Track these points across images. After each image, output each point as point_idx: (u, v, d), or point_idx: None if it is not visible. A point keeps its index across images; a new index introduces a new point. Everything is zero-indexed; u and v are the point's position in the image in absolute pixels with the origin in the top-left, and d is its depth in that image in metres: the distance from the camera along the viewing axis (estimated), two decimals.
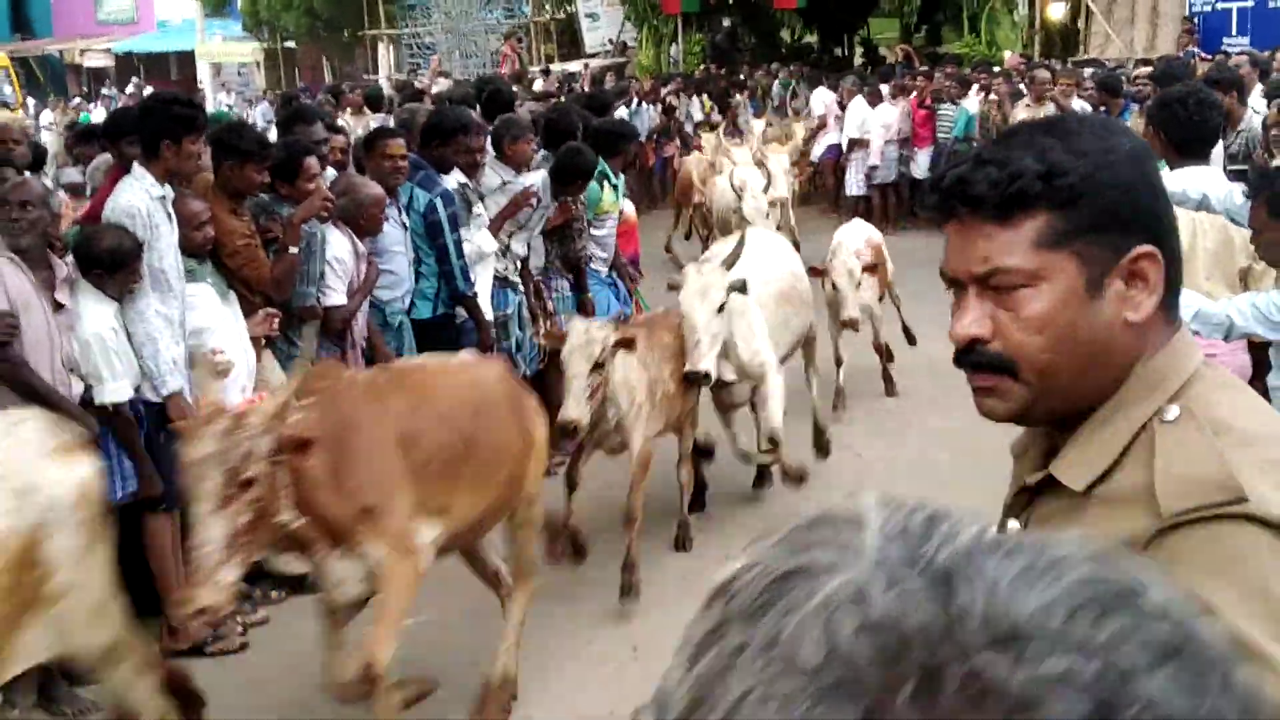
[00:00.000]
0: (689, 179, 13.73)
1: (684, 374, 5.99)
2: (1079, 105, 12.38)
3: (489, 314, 7.36)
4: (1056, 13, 24.02)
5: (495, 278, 7.55)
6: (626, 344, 5.70)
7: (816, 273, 7.98)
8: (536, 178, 7.71)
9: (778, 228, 10.58)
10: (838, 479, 7.60)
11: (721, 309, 5.90)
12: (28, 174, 5.70)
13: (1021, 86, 14.56)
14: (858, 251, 8.32)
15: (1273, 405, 4.64)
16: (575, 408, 5.50)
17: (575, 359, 5.54)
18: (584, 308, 8.01)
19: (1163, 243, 1.57)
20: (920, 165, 16.52)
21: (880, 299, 9.12)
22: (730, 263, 6.09)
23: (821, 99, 17.65)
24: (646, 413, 6.00)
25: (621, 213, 8.90)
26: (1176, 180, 4.75)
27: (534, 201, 7.58)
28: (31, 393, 4.84)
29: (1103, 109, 11.59)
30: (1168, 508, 1.44)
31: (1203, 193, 4.78)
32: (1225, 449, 1.46)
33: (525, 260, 7.90)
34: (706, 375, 5.86)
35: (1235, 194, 4.81)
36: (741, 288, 5.99)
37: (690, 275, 6.03)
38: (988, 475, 7.58)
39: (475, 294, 7.13)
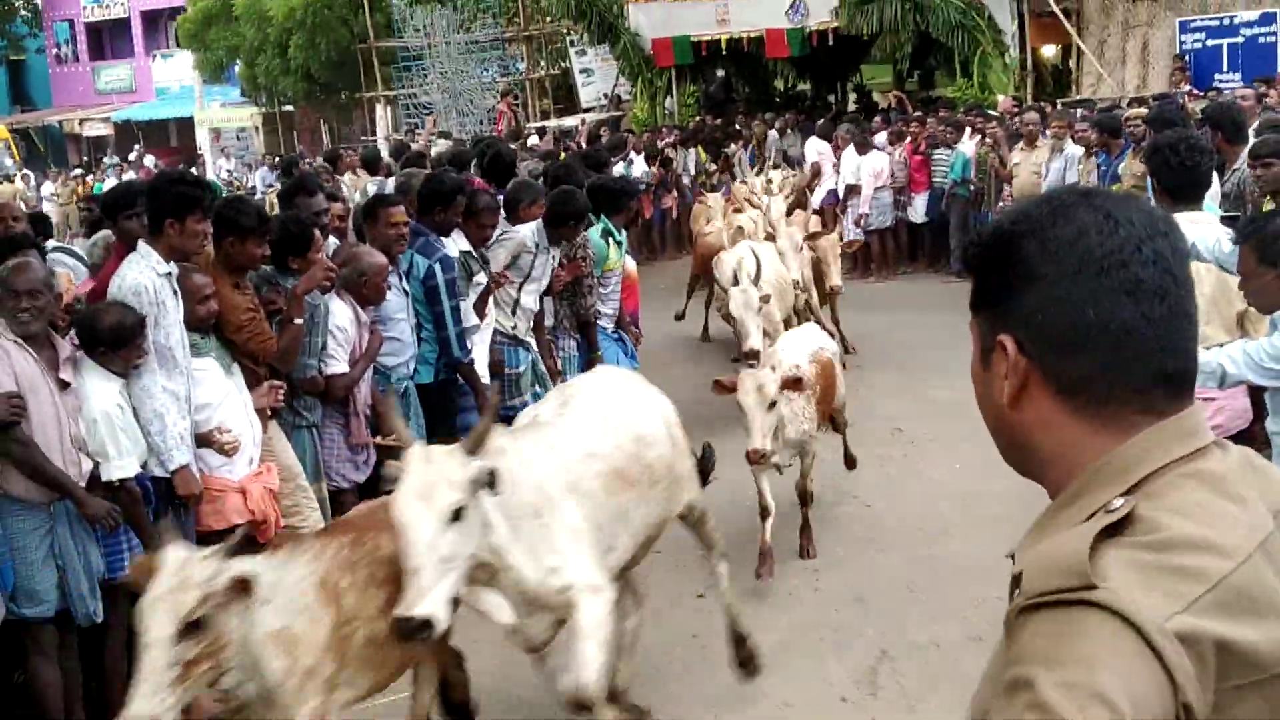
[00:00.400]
0: (710, 250, 11.87)
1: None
2: (1072, 148, 12.44)
3: (487, 377, 7.38)
4: (1048, 54, 24.17)
5: (505, 335, 7.58)
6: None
7: (722, 388, 6.60)
8: (532, 227, 7.75)
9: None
10: (847, 531, 7.59)
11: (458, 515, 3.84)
12: (32, 254, 5.71)
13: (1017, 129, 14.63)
14: (794, 366, 6.72)
15: (1273, 451, 4.61)
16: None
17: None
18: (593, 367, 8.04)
19: (1032, 330, 1.55)
20: (917, 210, 16.59)
21: (821, 427, 7.44)
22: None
23: (815, 147, 17.72)
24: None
25: (623, 268, 8.97)
26: None
27: (531, 257, 7.61)
28: (40, 474, 4.87)
29: (1101, 150, 11.64)
30: (1028, 588, 1.43)
31: (1191, 241, 4.80)
32: (1122, 542, 1.41)
33: (539, 315, 7.93)
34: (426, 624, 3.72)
35: (1224, 241, 4.83)
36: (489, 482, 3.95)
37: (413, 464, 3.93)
38: (993, 523, 7.64)
39: (472, 360, 7.13)
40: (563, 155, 14.94)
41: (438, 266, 6.94)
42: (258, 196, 14.77)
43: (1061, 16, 21.33)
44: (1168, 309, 1.51)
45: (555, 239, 7.74)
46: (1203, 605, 1.37)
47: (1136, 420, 1.52)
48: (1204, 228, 5.04)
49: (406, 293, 6.90)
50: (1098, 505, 1.48)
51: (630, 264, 9.34)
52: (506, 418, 7.43)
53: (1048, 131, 13.61)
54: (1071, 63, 22.51)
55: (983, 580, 6.62)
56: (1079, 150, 12.40)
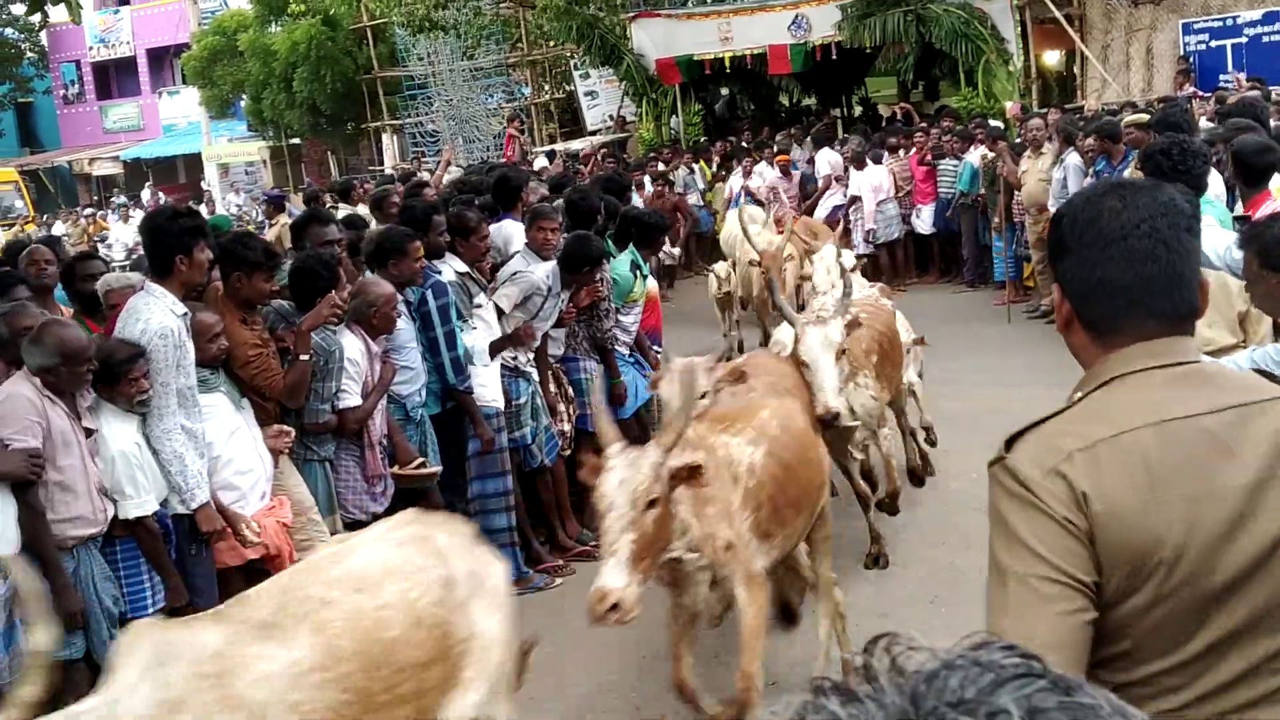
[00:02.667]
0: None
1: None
2: (1072, 158, 12.40)
3: (500, 403, 7.36)
4: (1051, 60, 24.17)
5: (506, 367, 7.54)
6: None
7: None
8: (547, 269, 7.74)
9: None
10: (861, 548, 7.57)
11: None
12: (28, 303, 5.71)
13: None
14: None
15: None
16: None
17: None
18: (616, 393, 8.03)
19: (1068, 284, 2.24)
20: (924, 221, 16.59)
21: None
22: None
23: (827, 159, 17.72)
24: None
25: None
26: None
27: (541, 299, 7.59)
28: (35, 542, 4.82)
29: (1102, 156, 11.65)
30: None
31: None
32: (1048, 424, 2.15)
33: (543, 345, 7.89)
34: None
35: (1233, 248, 4.81)
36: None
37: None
38: None
39: (469, 388, 7.09)
40: (576, 178, 14.96)
41: (429, 293, 6.93)
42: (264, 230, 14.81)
43: (1064, 22, 21.34)
44: (1159, 269, 2.13)
45: (569, 283, 7.74)
46: (1077, 459, 2.05)
47: (1129, 344, 2.16)
48: (1213, 233, 5.01)
49: (416, 323, 6.91)
50: (1076, 397, 2.21)
51: (651, 283, 9.27)
52: (514, 449, 7.49)
53: (1054, 137, 13.61)
54: (1076, 68, 22.53)
55: None
56: (1077, 159, 12.38)
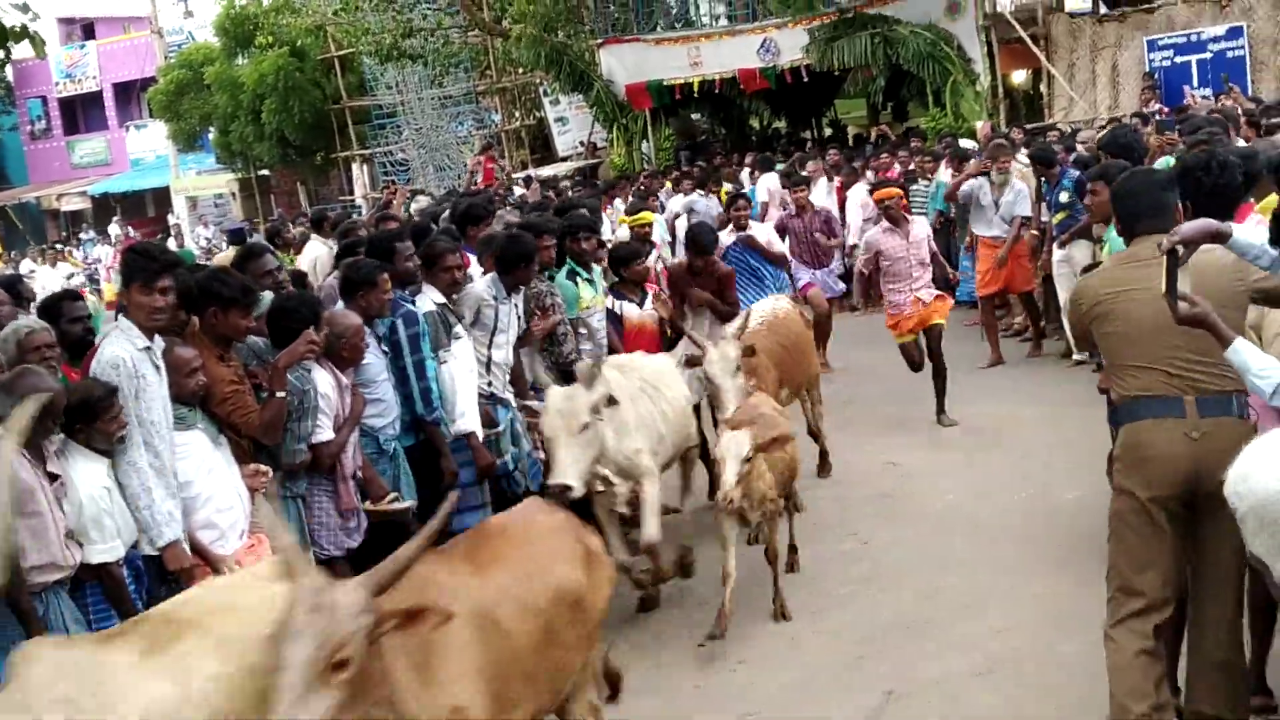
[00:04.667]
0: None
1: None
2: (1018, 184, 12.45)
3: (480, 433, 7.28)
4: (1019, 79, 24.31)
5: (481, 394, 7.45)
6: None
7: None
8: (484, 280, 7.67)
9: None
10: (847, 570, 7.53)
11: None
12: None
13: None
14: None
15: None
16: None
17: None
18: None
19: None
20: None
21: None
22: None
23: (765, 185, 17.50)
24: None
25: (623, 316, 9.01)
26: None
27: (492, 310, 7.50)
28: (15, 591, 4.69)
29: (1043, 180, 11.93)
30: None
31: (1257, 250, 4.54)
32: None
33: (517, 368, 7.78)
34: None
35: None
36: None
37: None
38: (993, 554, 7.58)
39: (437, 419, 6.97)
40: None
41: (399, 322, 6.83)
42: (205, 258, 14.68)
43: (1030, 42, 21.48)
44: None
45: (511, 285, 7.60)
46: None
47: None
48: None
49: (386, 353, 6.83)
50: None
51: (636, 312, 9.11)
52: (499, 475, 7.40)
53: (1020, 156, 13.62)
54: (1043, 87, 22.66)
55: (988, 613, 6.57)
56: (1022, 185, 12.45)
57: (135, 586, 5.23)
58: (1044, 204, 11.97)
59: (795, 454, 7.36)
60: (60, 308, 6.36)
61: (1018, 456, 9.12)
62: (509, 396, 7.66)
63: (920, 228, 10.70)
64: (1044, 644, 6.12)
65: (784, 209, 14.89)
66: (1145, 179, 5.07)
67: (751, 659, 6.43)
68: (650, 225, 11.15)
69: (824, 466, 9.31)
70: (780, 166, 18.32)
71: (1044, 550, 7.31)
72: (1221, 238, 4.16)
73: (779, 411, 7.45)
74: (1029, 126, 18.64)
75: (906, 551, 7.69)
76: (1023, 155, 13.84)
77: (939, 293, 10.62)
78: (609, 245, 9.96)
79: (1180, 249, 4.05)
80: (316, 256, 11.47)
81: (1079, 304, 4.94)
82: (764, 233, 11.30)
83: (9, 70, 42.56)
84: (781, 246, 11.59)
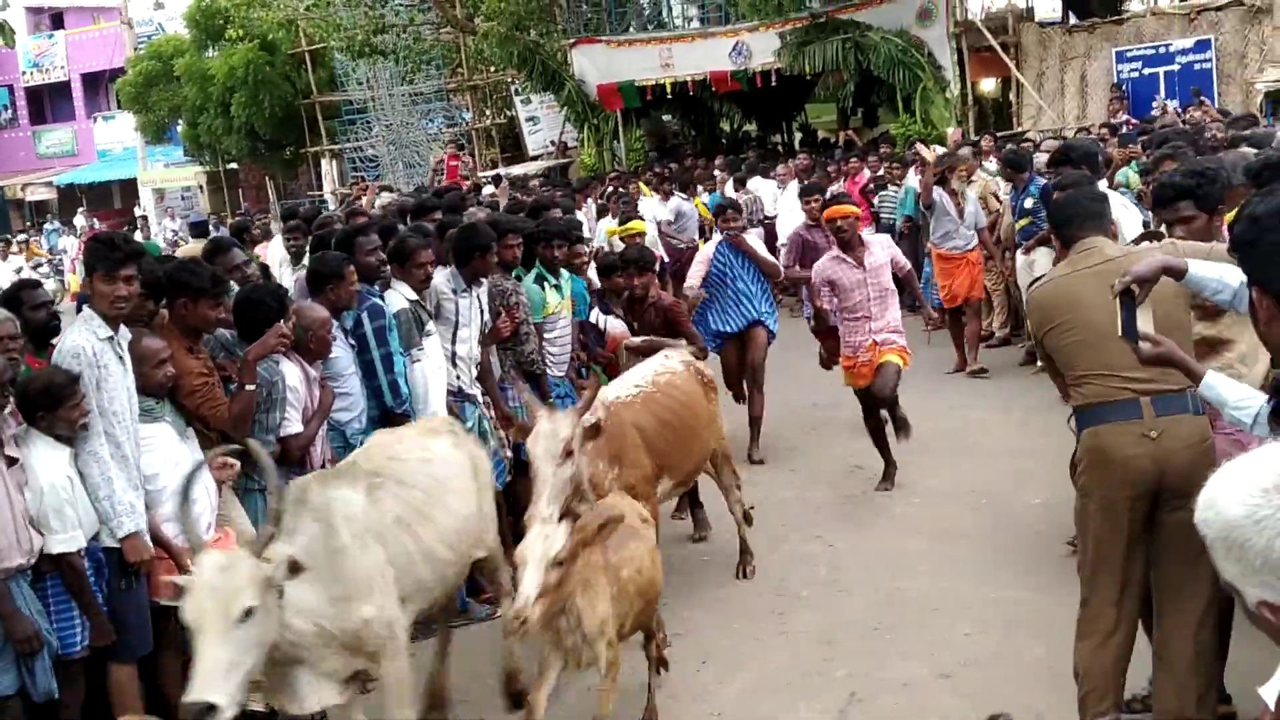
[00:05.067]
0: None
1: None
2: (972, 193, 12.49)
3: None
4: (988, 87, 24.46)
5: (450, 391, 7.42)
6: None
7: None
8: (442, 273, 7.59)
9: None
10: (812, 572, 7.54)
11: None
12: None
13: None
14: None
15: None
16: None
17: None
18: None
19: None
20: None
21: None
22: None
23: (762, 191, 17.52)
24: None
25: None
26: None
27: (452, 303, 7.47)
28: None
29: (1010, 185, 11.98)
30: None
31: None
32: None
33: (485, 365, 7.76)
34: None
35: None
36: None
37: None
38: (956, 558, 7.60)
39: (406, 412, 6.93)
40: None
41: (365, 314, 6.82)
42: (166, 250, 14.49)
43: (1000, 50, 21.62)
44: None
45: (469, 277, 7.54)
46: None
47: None
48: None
49: (352, 346, 6.81)
50: None
51: (620, 326, 9.07)
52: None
53: (986, 163, 13.68)
54: (1012, 95, 22.80)
55: (951, 616, 6.60)
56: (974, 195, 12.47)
57: (95, 578, 5.21)
58: (1011, 210, 11.99)
59: (655, 571, 5.63)
60: (20, 296, 6.30)
61: (982, 461, 9.18)
62: (476, 392, 7.64)
63: (880, 251, 8.88)
64: (1010, 648, 6.15)
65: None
66: (1082, 187, 5.19)
67: (714, 659, 6.43)
68: (642, 235, 10.91)
69: (743, 565, 7.59)
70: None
71: (1008, 554, 7.36)
72: (1176, 273, 4.01)
73: (644, 517, 5.83)
74: (999, 134, 18.74)
75: (870, 554, 7.71)
76: (990, 164, 13.95)
77: (900, 344, 8.81)
78: (589, 247, 9.92)
79: (1135, 288, 3.95)
80: (282, 255, 11.39)
81: (1033, 315, 5.01)
82: (755, 243, 10.46)
83: None
84: (771, 258, 10.52)
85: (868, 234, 9.36)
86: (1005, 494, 8.39)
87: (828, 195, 10.80)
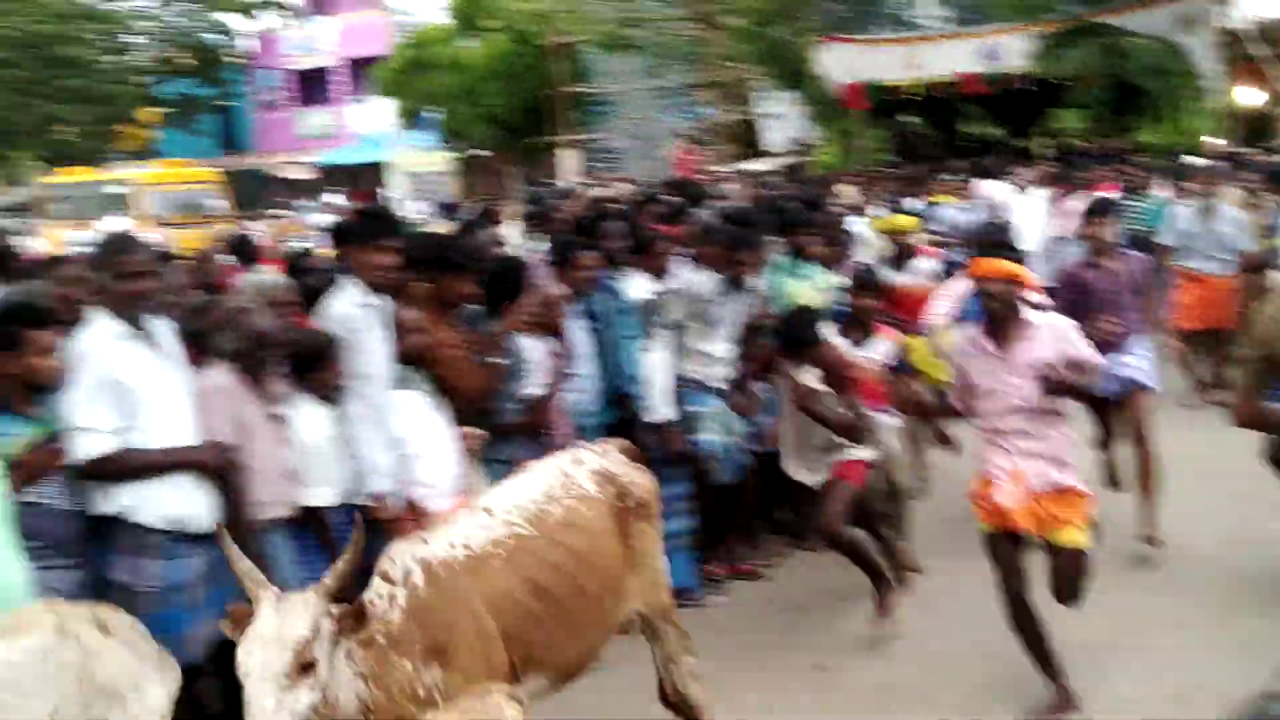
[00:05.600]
0: None
1: None
2: (1228, 209, 11.53)
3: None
4: (1249, 99, 23.39)
5: (683, 379, 7.42)
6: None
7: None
8: (701, 277, 7.54)
9: None
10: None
11: None
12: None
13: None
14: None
15: None
16: None
17: None
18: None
19: None
20: None
21: None
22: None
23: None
24: None
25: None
26: None
27: (706, 305, 7.53)
28: (235, 520, 4.85)
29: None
30: None
31: None
32: None
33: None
34: None
35: None
36: None
37: None
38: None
39: (637, 395, 7.08)
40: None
41: (602, 298, 7.07)
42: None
43: (1263, 62, 20.64)
44: None
45: (735, 283, 7.52)
46: None
47: None
48: None
49: (591, 330, 7.03)
50: None
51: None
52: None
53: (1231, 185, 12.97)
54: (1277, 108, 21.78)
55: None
56: (1238, 214, 11.50)
57: (344, 535, 5.47)
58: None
59: None
60: (301, 263, 6.70)
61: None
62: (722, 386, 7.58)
63: (1047, 342, 5.46)
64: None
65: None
66: None
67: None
68: (909, 231, 9.81)
69: None
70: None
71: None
72: None
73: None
74: (1261, 145, 17.91)
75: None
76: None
77: (1071, 485, 5.49)
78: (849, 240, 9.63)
79: None
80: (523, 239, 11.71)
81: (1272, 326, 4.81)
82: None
83: (244, 42, 44.57)
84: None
85: (1038, 315, 5.66)
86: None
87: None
